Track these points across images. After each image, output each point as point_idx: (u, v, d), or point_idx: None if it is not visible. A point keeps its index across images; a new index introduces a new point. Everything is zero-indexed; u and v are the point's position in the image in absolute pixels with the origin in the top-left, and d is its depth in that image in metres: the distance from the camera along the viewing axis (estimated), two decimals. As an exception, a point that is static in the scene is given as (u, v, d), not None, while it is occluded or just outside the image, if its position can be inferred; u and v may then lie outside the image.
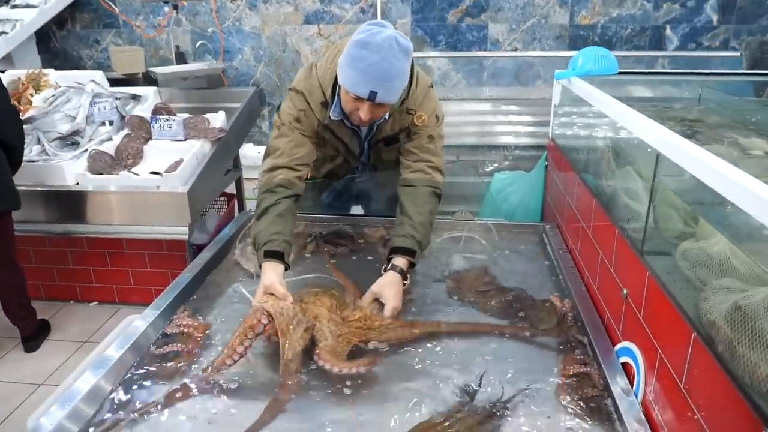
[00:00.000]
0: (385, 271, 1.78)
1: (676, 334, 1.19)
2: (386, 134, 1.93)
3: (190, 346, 1.55)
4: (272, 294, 1.56)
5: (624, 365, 1.45)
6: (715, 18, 4.56)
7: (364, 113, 1.67)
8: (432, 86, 1.95)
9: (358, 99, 1.64)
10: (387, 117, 1.85)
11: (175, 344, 1.55)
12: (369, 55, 1.56)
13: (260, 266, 1.69)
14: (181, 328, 1.62)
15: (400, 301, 1.69)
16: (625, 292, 1.49)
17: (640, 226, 1.47)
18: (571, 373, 1.46)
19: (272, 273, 1.63)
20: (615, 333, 1.57)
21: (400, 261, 1.78)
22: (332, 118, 1.83)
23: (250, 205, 3.94)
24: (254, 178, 4.45)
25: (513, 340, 1.61)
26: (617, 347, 1.51)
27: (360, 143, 2.00)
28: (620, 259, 1.57)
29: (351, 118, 1.80)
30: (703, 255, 1.27)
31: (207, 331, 1.63)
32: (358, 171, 2.27)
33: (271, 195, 1.78)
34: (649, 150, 1.39)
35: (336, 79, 1.74)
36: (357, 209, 2.55)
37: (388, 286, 1.71)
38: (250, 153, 4.57)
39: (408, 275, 1.81)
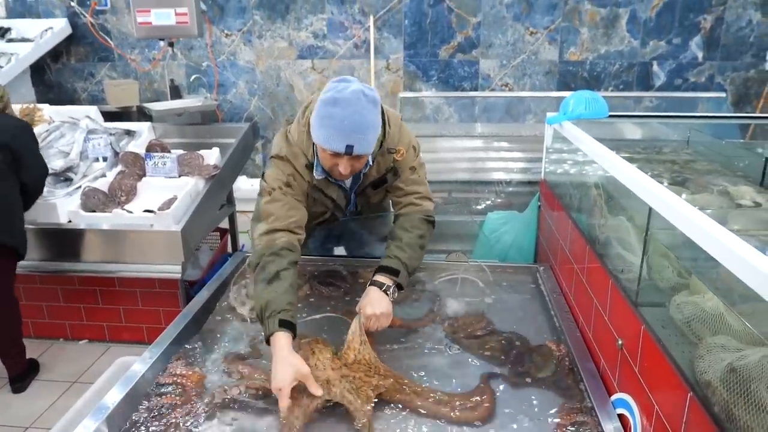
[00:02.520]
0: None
1: (672, 391, 1.20)
2: (373, 178, 1.97)
3: (184, 398, 1.53)
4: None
5: (620, 416, 1.45)
6: (700, 55, 4.67)
7: (343, 168, 1.71)
8: (401, 119, 2.01)
9: (336, 155, 1.68)
10: (371, 162, 1.89)
11: (169, 395, 1.54)
12: (339, 111, 1.60)
13: (270, 336, 1.56)
14: (175, 378, 1.61)
15: (377, 308, 1.74)
16: (620, 342, 1.50)
17: (634, 277, 1.49)
18: (567, 422, 1.46)
19: (297, 355, 1.52)
20: (611, 382, 1.57)
21: (380, 277, 1.83)
22: (317, 177, 1.86)
23: (243, 239, 3.93)
24: (247, 211, 4.47)
25: (509, 386, 1.61)
26: (613, 398, 1.51)
27: (346, 195, 2.03)
28: (614, 309, 1.58)
29: (332, 174, 1.83)
30: (698, 310, 1.28)
31: (201, 381, 1.61)
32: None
33: (279, 258, 1.70)
34: (642, 202, 1.42)
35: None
36: (339, 250, 2.55)
37: (364, 298, 1.79)
38: (243, 186, 4.59)
39: (390, 290, 1.81)
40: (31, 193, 2.72)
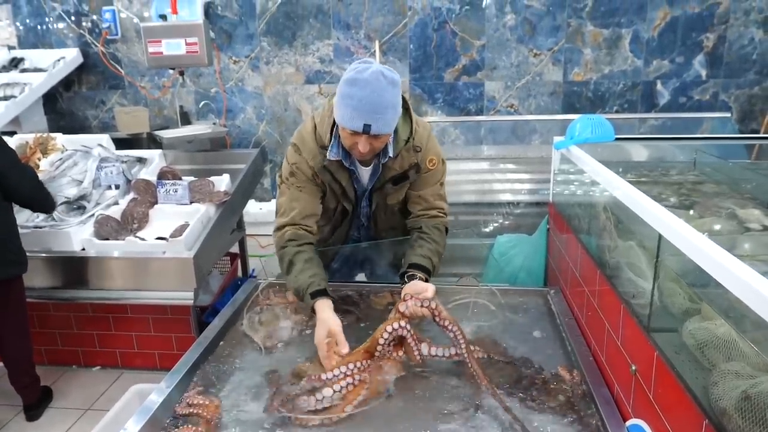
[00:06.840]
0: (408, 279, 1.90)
1: (687, 418, 1.20)
2: (395, 173, 2.02)
3: (202, 428, 1.54)
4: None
5: (636, 443, 1.45)
6: (703, 73, 4.71)
7: (362, 146, 1.78)
8: (432, 132, 2.08)
9: (355, 133, 1.76)
10: (393, 155, 1.93)
11: (186, 426, 1.55)
12: (358, 91, 1.68)
13: (312, 309, 1.85)
14: (192, 409, 1.62)
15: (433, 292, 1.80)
16: (633, 368, 1.51)
17: (646, 302, 1.50)
18: (582, 449, 1.46)
19: (330, 314, 1.80)
20: (625, 408, 1.57)
21: (419, 275, 1.91)
22: (330, 158, 1.93)
23: (253, 263, 3.96)
24: (257, 235, 4.50)
25: (522, 412, 1.61)
26: (628, 424, 1.51)
27: (359, 186, 2.08)
28: (627, 334, 1.59)
29: (352, 154, 1.91)
30: (710, 336, 1.29)
31: (218, 411, 1.62)
32: (362, 229, 2.30)
33: (290, 248, 1.97)
34: (651, 228, 1.43)
35: (334, 122, 1.87)
36: (361, 277, 2.57)
37: (411, 287, 1.83)
38: (252, 209, 4.63)
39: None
40: (35, 205, 2.74)
